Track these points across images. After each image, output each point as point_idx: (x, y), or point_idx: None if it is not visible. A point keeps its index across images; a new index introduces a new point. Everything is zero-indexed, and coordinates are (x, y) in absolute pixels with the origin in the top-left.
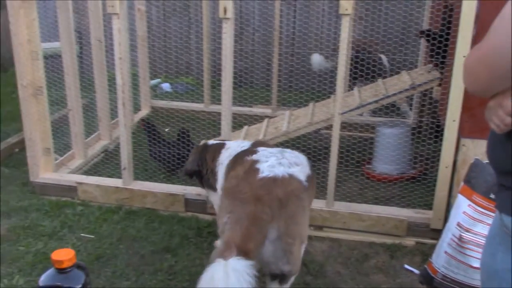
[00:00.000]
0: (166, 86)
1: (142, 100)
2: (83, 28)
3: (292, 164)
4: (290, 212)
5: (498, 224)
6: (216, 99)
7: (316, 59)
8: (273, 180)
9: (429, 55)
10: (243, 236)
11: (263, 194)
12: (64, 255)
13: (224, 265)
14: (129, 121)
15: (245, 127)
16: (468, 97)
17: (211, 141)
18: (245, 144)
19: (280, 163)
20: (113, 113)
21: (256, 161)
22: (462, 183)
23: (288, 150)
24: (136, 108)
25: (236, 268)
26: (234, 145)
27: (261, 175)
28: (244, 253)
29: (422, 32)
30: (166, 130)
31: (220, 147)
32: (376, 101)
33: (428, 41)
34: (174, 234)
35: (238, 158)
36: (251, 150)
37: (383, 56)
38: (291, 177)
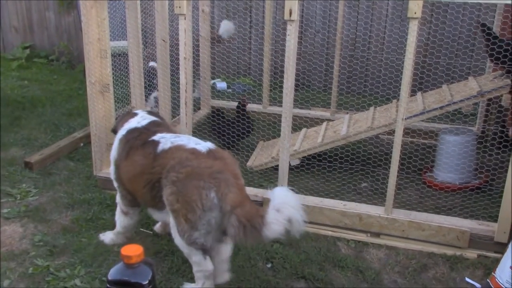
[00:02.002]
0: (221, 86)
1: (202, 99)
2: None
3: (190, 141)
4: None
5: None
6: (273, 100)
7: (225, 25)
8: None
9: (501, 61)
10: (251, 206)
11: (232, 167)
12: (133, 250)
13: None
14: (190, 119)
15: (304, 129)
16: None
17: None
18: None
19: (196, 142)
20: (173, 112)
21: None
22: None
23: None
24: (196, 107)
25: None
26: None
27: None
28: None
29: (482, 24)
30: None
31: (128, 115)
32: (441, 107)
33: (487, 35)
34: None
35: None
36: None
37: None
38: (214, 151)
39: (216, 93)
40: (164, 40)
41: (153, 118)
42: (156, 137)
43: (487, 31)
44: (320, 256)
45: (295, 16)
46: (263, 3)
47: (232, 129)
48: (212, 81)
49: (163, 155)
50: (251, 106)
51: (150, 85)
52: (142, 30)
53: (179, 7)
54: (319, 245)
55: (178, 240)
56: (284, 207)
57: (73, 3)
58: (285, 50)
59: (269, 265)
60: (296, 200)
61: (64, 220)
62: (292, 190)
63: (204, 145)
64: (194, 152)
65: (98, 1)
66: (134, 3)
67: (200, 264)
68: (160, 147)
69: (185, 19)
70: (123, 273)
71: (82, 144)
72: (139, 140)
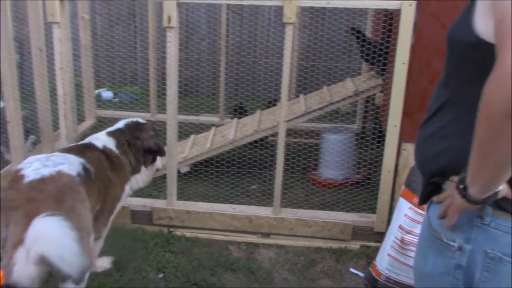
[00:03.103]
0: (106, 95)
1: (86, 110)
2: (24, 37)
3: (58, 164)
4: (70, 207)
5: (427, 227)
6: (162, 108)
7: None
8: (42, 181)
9: (370, 62)
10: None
11: (34, 195)
12: None
13: None
14: (72, 132)
15: (192, 135)
16: (408, 103)
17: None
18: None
19: (46, 165)
20: (56, 125)
21: (19, 170)
22: (403, 187)
23: (57, 153)
24: (80, 118)
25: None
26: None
27: (27, 179)
28: None
29: (352, 28)
30: None
31: None
32: (321, 108)
33: (357, 38)
34: (120, 247)
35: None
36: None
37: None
38: (59, 173)
39: (102, 103)
40: (40, 50)
41: None
42: None
43: (359, 35)
44: (212, 261)
45: (175, 22)
46: (146, 11)
47: None
48: (97, 91)
49: None
50: (140, 115)
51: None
52: (17, 40)
53: (52, 15)
54: (211, 251)
55: None
56: (36, 243)
57: None
58: (167, 57)
59: (160, 276)
60: (57, 231)
61: None
62: (61, 219)
63: None
64: None
65: None
66: (4, 9)
67: None
68: None
69: (59, 27)
70: None
71: None
72: None
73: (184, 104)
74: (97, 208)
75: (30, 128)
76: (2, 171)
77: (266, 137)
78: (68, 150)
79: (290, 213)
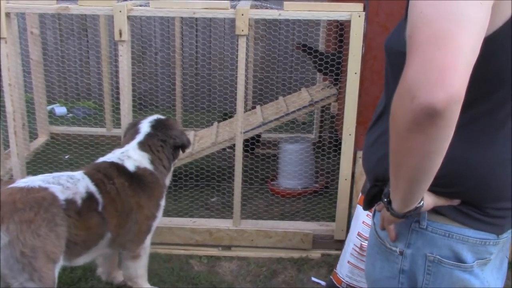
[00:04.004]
0: (60, 111)
1: (39, 126)
2: None
3: (55, 183)
4: (27, 218)
5: (373, 234)
6: (117, 123)
7: None
8: (19, 189)
9: (324, 73)
10: None
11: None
12: None
13: None
14: (23, 150)
15: None
16: (361, 112)
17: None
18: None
19: (43, 180)
20: (6, 143)
21: (18, 180)
22: (360, 194)
23: (75, 175)
24: (33, 135)
25: None
26: None
27: (11, 185)
28: None
29: (301, 45)
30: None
31: None
32: (277, 119)
33: (308, 53)
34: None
35: None
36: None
37: None
38: (42, 188)
39: (54, 119)
40: None
41: None
42: None
43: (309, 49)
44: (173, 277)
45: (126, 36)
46: (98, 25)
47: None
48: (50, 107)
49: None
50: (95, 130)
51: None
52: None
53: None
54: (171, 266)
55: None
56: None
57: None
58: (119, 71)
59: None
60: None
61: None
62: None
63: None
64: None
65: None
66: None
67: None
68: None
69: (6, 43)
70: None
71: None
72: None
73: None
74: (108, 237)
75: None
76: None
77: (224, 149)
78: (93, 172)
79: (250, 225)
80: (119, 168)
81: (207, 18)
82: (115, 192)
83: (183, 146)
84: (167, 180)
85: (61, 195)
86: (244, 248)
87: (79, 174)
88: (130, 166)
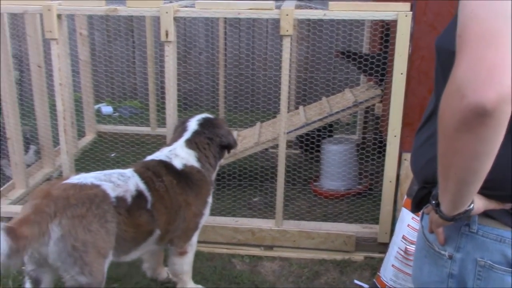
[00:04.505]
0: (106, 110)
1: (86, 125)
2: (23, 53)
3: (107, 181)
4: (80, 214)
5: (421, 237)
6: (162, 122)
7: None
8: (73, 185)
9: (369, 73)
10: (20, 220)
11: (52, 190)
12: None
13: None
14: (72, 148)
15: None
16: (407, 113)
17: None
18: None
19: (95, 177)
20: (56, 140)
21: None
22: (405, 197)
23: (126, 173)
24: (81, 134)
25: None
26: None
27: (65, 181)
28: (15, 237)
29: (340, 53)
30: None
31: None
32: (321, 119)
33: (348, 58)
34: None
35: None
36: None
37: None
38: (94, 185)
39: (101, 118)
40: (39, 66)
41: None
42: None
43: (349, 54)
44: (216, 275)
45: (172, 37)
46: (144, 26)
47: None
48: (97, 106)
49: None
50: (140, 129)
51: (25, 140)
52: (16, 56)
53: (50, 31)
54: (214, 264)
55: None
56: None
57: None
58: (165, 71)
59: None
60: None
61: None
62: None
63: None
64: None
65: None
66: (2, 28)
67: None
68: None
69: (57, 43)
70: None
71: None
72: None
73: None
74: (157, 234)
75: (30, 139)
76: (2, 188)
77: (267, 149)
78: (143, 170)
79: (292, 225)
80: (167, 166)
81: (251, 18)
82: (164, 190)
83: (229, 146)
84: (213, 178)
85: (112, 193)
86: (286, 249)
87: (129, 172)
88: (178, 164)
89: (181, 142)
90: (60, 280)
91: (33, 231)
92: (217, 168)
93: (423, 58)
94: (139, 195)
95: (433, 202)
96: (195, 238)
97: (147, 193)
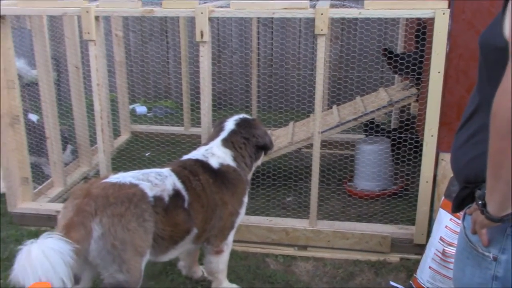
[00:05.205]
0: (141, 110)
1: (121, 125)
2: (61, 55)
3: (145, 180)
4: (119, 213)
5: (463, 238)
6: (195, 122)
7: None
8: (112, 184)
9: (405, 72)
10: (65, 226)
11: (92, 189)
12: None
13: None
14: (108, 147)
15: None
16: (445, 112)
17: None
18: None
19: (133, 176)
20: (93, 139)
21: (110, 177)
22: (443, 198)
23: (163, 172)
24: (116, 133)
25: (53, 247)
26: None
27: (104, 180)
28: (70, 245)
29: (385, 49)
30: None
31: None
32: (355, 119)
33: (388, 58)
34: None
35: None
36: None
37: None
38: (132, 184)
39: (137, 118)
40: (76, 67)
41: None
42: None
43: (390, 55)
44: (250, 274)
45: (207, 37)
46: (178, 27)
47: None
48: (132, 106)
49: None
50: (174, 129)
51: (63, 139)
52: (54, 58)
53: (88, 33)
54: (248, 263)
55: None
56: None
57: None
58: (200, 71)
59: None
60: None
61: None
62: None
63: None
64: None
65: (3, 31)
66: (41, 30)
67: None
68: None
69: (95, 45)
70: None
71: None
72: None
73: (217, 117)
74: (194, 233)
75: (68, 139)
76: (41, 186)
77: (300, 149)
78: (179, 169)
79: (326, 225)
80: (203, 165)
81: (284, 18)
82: (201, 189)
83: (265, 147)
84: (248, 178)
85: (150, 192)
86: (320, 249)
87: (166, 171)
88: (214, 163)
89: (218, 141)
90: (99, 278)
91: (80, 234)
92: (253, 169)
93: (461, 57)
94: (176, 194)
95: (480, 202)
96: (231, 237)
97: (184, 192)
